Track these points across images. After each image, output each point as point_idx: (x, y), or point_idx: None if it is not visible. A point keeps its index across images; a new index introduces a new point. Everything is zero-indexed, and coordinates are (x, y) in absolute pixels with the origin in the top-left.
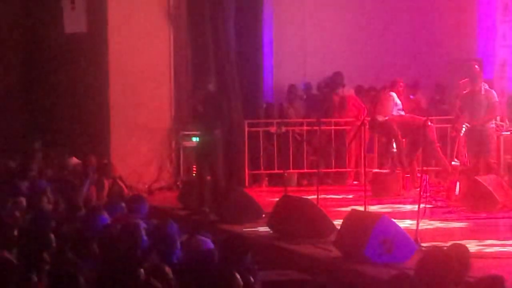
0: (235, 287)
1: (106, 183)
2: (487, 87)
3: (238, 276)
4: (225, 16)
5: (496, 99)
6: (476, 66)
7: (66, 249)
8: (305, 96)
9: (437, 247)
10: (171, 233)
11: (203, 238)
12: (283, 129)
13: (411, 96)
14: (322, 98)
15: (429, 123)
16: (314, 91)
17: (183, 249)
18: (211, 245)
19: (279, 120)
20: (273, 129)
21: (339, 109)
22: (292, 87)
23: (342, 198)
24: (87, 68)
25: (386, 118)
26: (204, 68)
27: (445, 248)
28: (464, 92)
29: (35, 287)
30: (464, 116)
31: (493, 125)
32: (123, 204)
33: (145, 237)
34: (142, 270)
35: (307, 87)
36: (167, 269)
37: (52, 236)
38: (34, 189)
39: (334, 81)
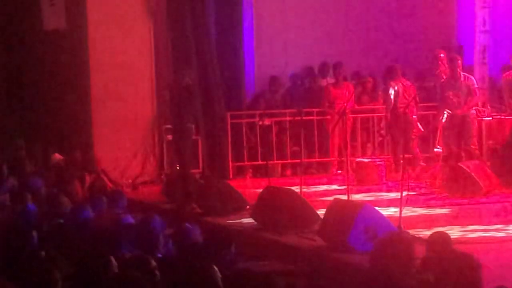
0: (213, 279)
1: (88, 178)
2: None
3: (216, 269)
4: (205, 8)
5: (476, 85)
6: (442, 55)
7: (47, 245)
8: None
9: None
10: (155, 226)
11: (192, 228)
12: (267, 121)
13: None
14: (306, 88)
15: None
16: (300, 81)
17: (171, 241)
18: (199, 237)
19: (261, 112)
20: (257, 121)
21: (321, 98)
22: (273, 79)
23: (326, 187)
24: (67, 63)
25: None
26: (185, 61)
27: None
28: (443, 80)
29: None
30: (444, 103)
31: (473, 111)
32: (105, 199)
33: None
34: (114, 262)
35: (294, 77)
36: (152, 261)
37: (35, 233)
38: (18, 186)
39: (320, 71)
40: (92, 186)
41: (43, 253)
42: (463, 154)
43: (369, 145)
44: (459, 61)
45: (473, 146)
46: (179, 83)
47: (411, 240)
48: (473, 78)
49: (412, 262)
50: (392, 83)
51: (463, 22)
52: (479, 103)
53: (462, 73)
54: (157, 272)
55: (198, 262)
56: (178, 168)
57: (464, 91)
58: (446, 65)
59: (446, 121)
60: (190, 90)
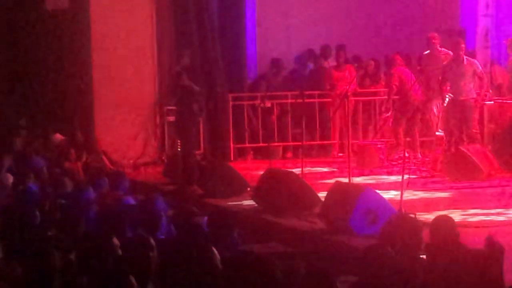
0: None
1: (87, 159)
2: None
3: (215, 250)
4: None
5: (480, 68)
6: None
7: (49, 225)
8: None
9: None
10: (157, 208)
11: (195, 211)
12: (268, 103)
13: None
14: (308, 70)
15: None
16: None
17: (173, 223)
18: (203, 219)
19: (263, 94)
20: (258, 104)
21: (323, 81)
22: (275, 61)
23: (327, 170)
24: (70, 44)
25: None
26: (187, 43)
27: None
28: (445, 63)
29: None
30: (446, 86)
31: (474, 95)
32: (106, 180)
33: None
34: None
35: (298, 59)
36: (152, 242)
37: (37, 212)
38: (20, 166)
39: (322, 53)
40: (92, 167)
41: (49, 232)
42: (464, 138)
43: (370, 128)
44: (463, 45)
45: (474, 130)
46: (178, 63)
47: (419, 224)
48: (476, 62)
49: (420, 246)
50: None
51: (465, 5)
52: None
53: (465, 57)
54: (153, 253)
55: (198, 244)
56: (179, 149)
57: (468, 75)
58: (439, 48)
59: (447, 105)
60: (189, 70)
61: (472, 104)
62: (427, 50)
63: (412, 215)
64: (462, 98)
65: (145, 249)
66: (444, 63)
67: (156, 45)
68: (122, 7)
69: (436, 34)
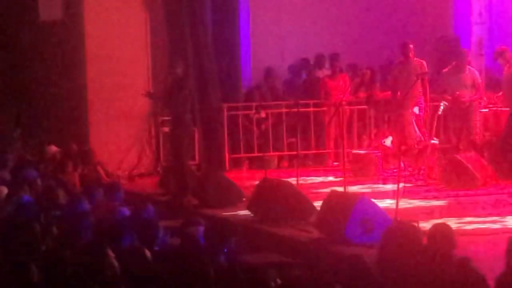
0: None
1: (82, 170)
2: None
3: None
4: (202, 0)
5: (479, 79)
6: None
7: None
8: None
9: (401, 221)
10: (148, 217)
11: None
12: (263, 113)
13: None
14: (303, 80)
15: None
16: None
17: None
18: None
19: (257, 104)
20: (252, 114)
21: (318, 90)
22: (268, 70)
23: (322, 179)
24: (63, 55)
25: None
26: (181, 53)
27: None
28: (445, 70)
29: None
30: (446, 94)
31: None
32: (101, 191)
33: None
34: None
35: (292, 68)
36: (147, 253)
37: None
38: (15, 178)
39: (316, 63)
40: (86, 178)
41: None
42: (460, 147)
43: (364, 137)
44: (468, 58)
45: (476, 136)
46: (170, 74)
47: (421, 232)
48: (477, 72)
49: (421, 253)
50: None
51: (459, 14)
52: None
53: (468, 67)
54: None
55: (193, 254)
56: (172, 160)
57: (468, 84)
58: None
59: (448, 113)
60: (181, 82)
61: (473, 111)
62: (400, 58)
63: (415, 224)
64: (464, 107)
65: (141, 260)
66: (444, 70)
67: (150, 56)
68: (116, 18)
69: (410, 43)
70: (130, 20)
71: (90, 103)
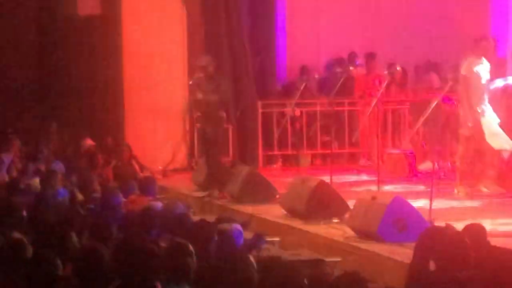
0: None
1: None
2: None
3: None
4: None
5: None
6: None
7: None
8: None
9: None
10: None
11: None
12: (297, 111)
13: None
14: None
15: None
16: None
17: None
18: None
19: (292, 101)
20: (288, 111)
21: (353, 88)
22: (303, 68)
23: (356, 178)
24: (101, 49)
25: None
26: (217, 50)
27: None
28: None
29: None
30: None
31: None
32: (135, 185)
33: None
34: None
35: (330, 66)
36: (191, 248)
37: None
38: (49, 171)
39: (349, 61)
40: (120, 172)
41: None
42: None
43: (398, 136)
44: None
45: None
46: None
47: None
48: None
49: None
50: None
51: (496, 13)
52: None
53: None
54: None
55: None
56: (206, 156)
57: None
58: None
59: None
60: (214, 78)
61: None
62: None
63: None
64: None
65: (183, 255)
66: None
67: (187, 52)
68: (154, 13)
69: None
70: (168, 16)
71: (126, 97)
